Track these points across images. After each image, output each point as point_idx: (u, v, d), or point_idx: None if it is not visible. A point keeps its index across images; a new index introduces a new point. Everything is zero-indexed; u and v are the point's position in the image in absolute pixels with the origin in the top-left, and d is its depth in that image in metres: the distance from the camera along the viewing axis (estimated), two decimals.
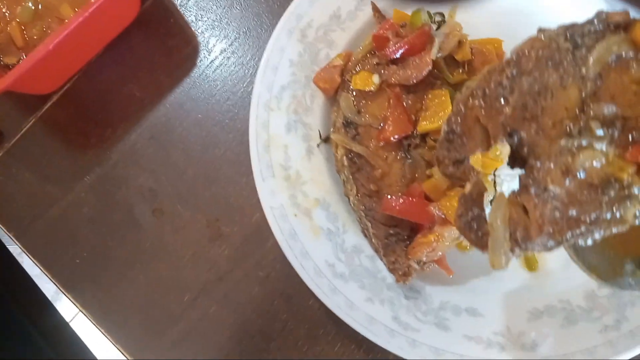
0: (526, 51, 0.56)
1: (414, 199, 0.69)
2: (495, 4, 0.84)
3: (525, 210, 0.53)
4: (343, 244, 0.74)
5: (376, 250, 0.72)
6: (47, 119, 0.89)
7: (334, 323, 0.75)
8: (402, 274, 0.69)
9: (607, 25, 0.55)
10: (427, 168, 0.72)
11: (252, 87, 0.79)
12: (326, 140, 0.78)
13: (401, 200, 0.69)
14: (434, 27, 0.80)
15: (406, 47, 0.73)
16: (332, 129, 0.77)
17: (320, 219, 0.74)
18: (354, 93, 0.75)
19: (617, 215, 0.51)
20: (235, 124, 0.86)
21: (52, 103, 0.89)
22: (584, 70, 0.54)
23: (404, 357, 0.68)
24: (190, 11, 0.93)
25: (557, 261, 0.73)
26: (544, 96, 0.55)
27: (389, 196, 0.70)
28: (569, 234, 0.51)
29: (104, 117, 0.89)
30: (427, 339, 0.68)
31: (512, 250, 0.54)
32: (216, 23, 0.91)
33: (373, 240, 0.71)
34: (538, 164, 0.53)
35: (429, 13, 0.82)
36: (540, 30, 0.56)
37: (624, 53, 0.54)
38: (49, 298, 1.25)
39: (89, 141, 0.88)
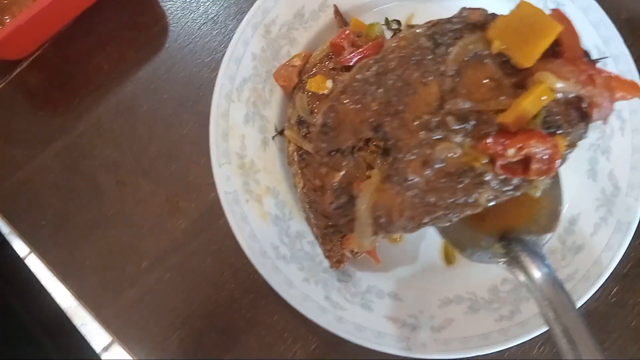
0: (391, 49, 0.60)
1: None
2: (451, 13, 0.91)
3: (390, 198, 0.60)
4: (288, 229, 0.82)
5: (316, 237, 0.81)
6: (16, 84, 0.92)
7: (275, 296, 0.83)
8: (336, 260, 0.78)
9: (466, 25, 0.60)
10: (367, 169, 0.80)
11: (217, 74, 0.84)
12: (281, 133, 0.85)
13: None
14: (390, 34, 0.87)
15: (359, 57, 0.79)
16: (286, 124, 0.84)
17: (270, 205, 0.82)
18: (309, 94, 0.81)
19: (471, 199, 0.58)
20: (198, 107, 0.91)
21: (22, 69, 0.92)
22: (443, 67, 0.59)
23: (332, 330, 0.78)
24: None
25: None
26: (406, 92, 0.59)
27: (330, 192, 0.78)
28: (427, 218, 0.58)
29: (72, 87, 0.92)
30: (353, 317, 0.79)
31: (375, 233, 0.60)
32: (186, 5, 0.94)
33: (314, 229, 0.80)
34: (400, 155, 0.59)
35: (386, 19, 0.88)
36: (409, 27, 0.61)
37: (479, 51, 0.59)
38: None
39: (56, 109, 0.91)
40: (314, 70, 0.82)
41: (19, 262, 1.22)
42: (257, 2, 0.85)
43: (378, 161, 0.62)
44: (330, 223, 0.79)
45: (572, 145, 0.61)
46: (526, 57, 0.58)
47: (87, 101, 0.92)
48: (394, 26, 0.88)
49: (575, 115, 0.60)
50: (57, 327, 1.21)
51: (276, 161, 0.84)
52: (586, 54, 0.62)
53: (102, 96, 0.92)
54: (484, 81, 0.59)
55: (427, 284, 0.82)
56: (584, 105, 0.59)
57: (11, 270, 1.26)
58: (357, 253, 0.80)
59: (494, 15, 0.62)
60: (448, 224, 0.61)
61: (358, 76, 0.61)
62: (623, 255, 0.79)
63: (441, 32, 0.60)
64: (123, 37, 0.93)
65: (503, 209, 0.61)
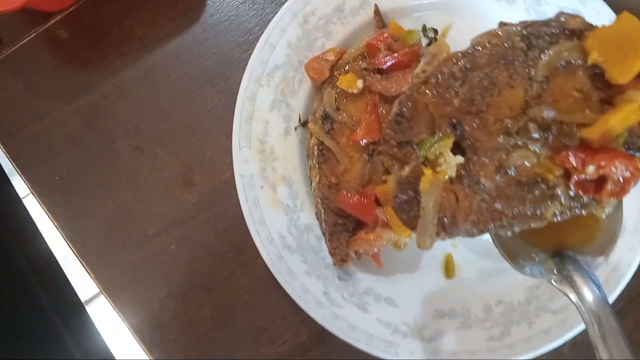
0: (482, 45, 0.57)
1: (366, 200, 0.78)
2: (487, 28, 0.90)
3: (456, 198, 0.57)
4: (297, 220, 0.83)
5: (323, 233, 0.82)
6: (47, 35, 0.92)
7: (274, 283, 0.83)
8: (340, 259, 0.79)
9: (563, 30, 0.57)
10: (384, 174, 0.81)
11: (249, 55, 0.84)
12: (304, 124, 0.85)
13: (355, 198, 0.78)
14: (425, 42, 0.87)
15: (394, 61, 0.80)
16: (311, 117, 0.84)
17: (283, 194, 0.83)
18: (338, 90, 0.82)
19: (538, 212, 0.55)
20: (225, 85, 0.91)
21: (55, 21, 0.92)
22: (532, 71, 0.56)
23: (325, 326, 0.79)
24: None
25: (471, 273, 0.85)
26: (491, 92, 0.56)
27: (345, 191, 0.79)
28: (491, 225, 0.56)
29: (103, 47, 0.92)
30: (347, 316, 0.79)
31: (438, 234, 0.58)
32: None
33: (323, 224, 0.81)
34: (475, 157, 0.56)
35: (424, 27, 0.88)
36: (501, 24, 0.58)
37: (573, 60, 0.57)
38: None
39: (84, 67, 0.91)
40: (347, 67, 0.82)
41: (18, 203, 1.22)
42: None
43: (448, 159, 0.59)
44: (340, 221, 0.81)
45: None
46: (623, 73, 0.55)
47: (115, 63, 0.92)
48: (431, 34, 0.88)
49: None
50: (47, 273, 1.23)
51: (296, 151, 0.84)
52: None
53: (131, 60, 0.92)
54: (572, 92, 0.56)
55: (424, 294, 0.83)
56: None
57: (9, 210, 1.27)
58: (361, 254, 0.81)
59: (593, 26, 0.60)
60: (510, 233, 0.59)
61: (443, 68, 0.58)
62: None
63: (537, 34, 0.57)
64: (160, 3, 0.93)
65: (562, 225, 0.59)
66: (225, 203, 0.89)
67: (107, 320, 1.17)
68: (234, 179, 0.82)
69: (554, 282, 0.65)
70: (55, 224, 0.88)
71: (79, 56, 0.92)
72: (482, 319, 0.82)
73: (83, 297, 1.41)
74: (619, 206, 0.67)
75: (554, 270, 0.65)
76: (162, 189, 0.89)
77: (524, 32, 0.57)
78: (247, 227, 0.81)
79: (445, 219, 0.57)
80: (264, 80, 0.84)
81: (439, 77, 0.58)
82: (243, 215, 0.81)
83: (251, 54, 0.84)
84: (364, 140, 0.80)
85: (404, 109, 0.59)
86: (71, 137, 0.90)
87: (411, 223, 0.59)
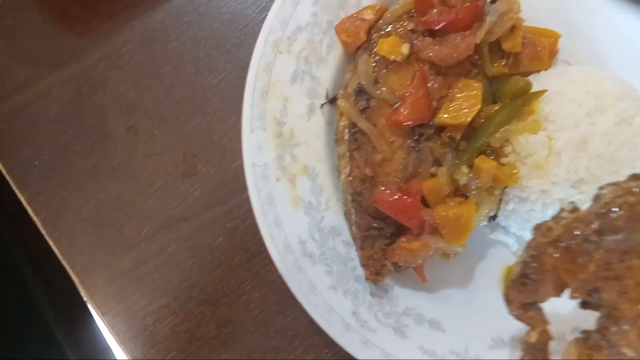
0: (618, 205, 0.54)
1: (409, 198, 0.63)
2: None
3: None
4: (321, 221, 0.69)
5: (354, 239, 0.68)
6: None
7: (292, 295, 0.71)
8: (374, 271, 0.66)
9: None
10: (432, 166, 0.66)
11: (267, 15, 0.70)
12: (332, 101, 0.71)
13: (395, 196, 0.63)
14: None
15: (451, 19, 0.64)
16: (341, 92, 0.69)
17: (304, 189, 0.69)
18: (377, 58, 0.67)
19: None
20: (238, 53, 0.78)
21: None
22: None
23: (353, 354, 0.66)
24: None
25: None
26: (631, 256, 0.53)
27: (382, 187, 0.64)
28: None
29: (94, 3, 0.81)
30: (381, 342, 0.66)
31: None
32: None
33: (354, 227, 0.67)
34: (614, 326, 0.53)
35: None
36: (633, 177, 0.54)
37: None
38: None
39: (71, 28, 0.80)
40: (389, 28, 0.67)
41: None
42: None
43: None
44: (375, 224, 0.66)
45: None
46: None
47: (108, 24, 0.80)
48: None
49: None
50: (47, 269, 1.13)
51: (321, 135, 0.71)
52: None
53: (127, 21, 0.80)
54: None
55: (478, 316, 0.70)
56: None
57: (9, 202, 1.19)
58: (400, 267, 0.66)
59: None
60: None
61: (575, 231, 0.55)
62: None
63: None
64: None
65: None
66: (235, 197, 0.76)
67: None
68: (244, 170, 0.68)
69: None
70: (34, 217, 0.76)
71: (66, 14, 0.80)
72: (553, 350, 0.66)
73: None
74: None
75: None
76: (160, 178, 0.77)
77: None
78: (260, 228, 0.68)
79: None
80: (284, 45, 0.70)
81: (571, 240, 0.56)
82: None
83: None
84: (409, 122, 0.65)
85: (530, 271, 0.58)
86: (55, 113, 0.78)
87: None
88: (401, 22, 0.67)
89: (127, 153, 0.77)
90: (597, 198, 0.55)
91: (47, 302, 1.06)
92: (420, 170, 0.66)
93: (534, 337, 0.58)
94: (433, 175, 0.66)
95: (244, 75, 0.70)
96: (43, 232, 0.76)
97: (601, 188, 0.56)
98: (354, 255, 0.68)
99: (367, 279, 0.65)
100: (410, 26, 0.66)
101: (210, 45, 0.78)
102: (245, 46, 0.78)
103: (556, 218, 0.57)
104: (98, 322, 1.11)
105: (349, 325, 0.66)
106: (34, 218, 0.76)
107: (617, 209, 0.55)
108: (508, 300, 0.60)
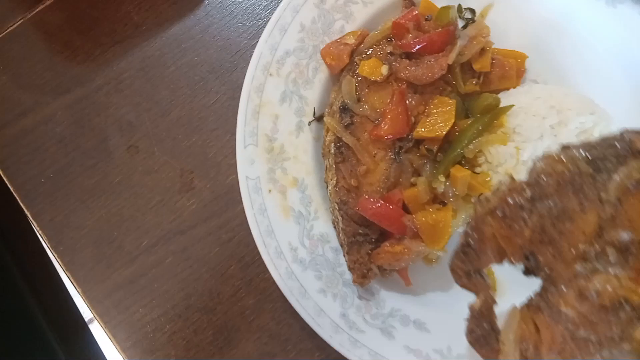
0: (547, 173, 0.56)
1: (392, 206, 0.67)
2: (533, 10, 0.79)
3: (536, 327, 0.55)
4: (311, 230, 0.72)
5: (341, 245, 0.71)
6: (36, 22, 0.83)
7: (284, 302, 0.73)
8: (361, 275, 0.68)
9: (630, 151, 0.55)
10: (412, 175, 0.70)
11: (258, 42, 0.74)
12: (319, 119, 0.75)
13: (378, 204, 0.67)
14: (461, 24, 0.75)
15: (425, 43, 0.69)
16: (327, 110, 0.74)
17: (294, 200, 0.72)
18: (359, 78, 0.72)
19: (626, 335, 0.52)
20: (231, 77, 0.82)
21: (44, 7, 0.84)
22: (603, 195, 0.54)
23: (343, 354, 0.68)
24: None
25: (517, 292, 0.72)
26: (562, 220, 0.55)
27: (367, 196, 0.68)
28: (577, 354, 0.53)
29: (96, 34, 0.83)
30: (369, 342, 0.69)
31: None
32: None
33: (341, 234, 0.70)
34: (552, 287, 0.54)
35: (459, 7, 0.77)
36: (564, 149, 0.56)
37: None
38: None
39: (75, 57, 0.83)
40: (369, 52, 0.72)
41: (21, 214, 1.15)
42: None
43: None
44: (360, 231, 0.69)
45: None
46: None
47: (109, 52, 0.83)
48: (467, 15, 0.76)
49: None
50: (48, 289, 1.14)
51: (309, 150, 0.74)
52: None
53: (127, 49, 0.83)
54: None
55: (461, 317, 0.69)
56: None
57: (13, 225, 1.20)
58: (385, 270, 0.70)
59: None
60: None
61: (509, 199, 0.57)
62: None
63: (602, 157, 0.56)
64: None
65: None
66: (229, 210, 0.79)
67: (103, 343, 1.08)
68: (239, 183, 0.72)
69: None
70: (40, 232, 0.79)
71: (70, 45, 0.84)
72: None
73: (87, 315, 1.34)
74: None
75: None
76: (158, 194, 0.80)
77: (589, 155, 0.56)
78: (253, 239, 0.71)
79: (527, 352, 0.56)
80: (274, 68, 0.74)
81: (506, 208, 0.57)
82: (249, 225, 0.71)
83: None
84: (389, 136, 0.69)
85: (471, 240, 0.59)
86: (59, 135, 0.81)
87: (491, 356, 0.58)
88: (380, 46, 0.72)
89: (127, 171, 0.80)
90: (531, 170, 0.57)
91: (46, 321, 1.07)
92: (401, 180, 0.70)
93: (477, 303, 0.58)
94: (413, 185, 0.69)
95: (236, 96, 0.74)
96: (47, 246, 0.78)
97: (535, 161, 0.58)
98: (342, 260, 0.71)
99: (354, 282, 0.68)
100: (389, 49, 0.71)
101: (205, 69, 0.82)
102: (237, 70, 0.81)
103: (494, 191, 0.59)
104: (98, 337, 1.13)
105: (338, 326, 0.69)
106: (39, 233, 0.78)
107: (547, 177, 0.56)
108: (452, 270, 0.61)
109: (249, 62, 0.74)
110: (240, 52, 0.82)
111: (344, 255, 0.70)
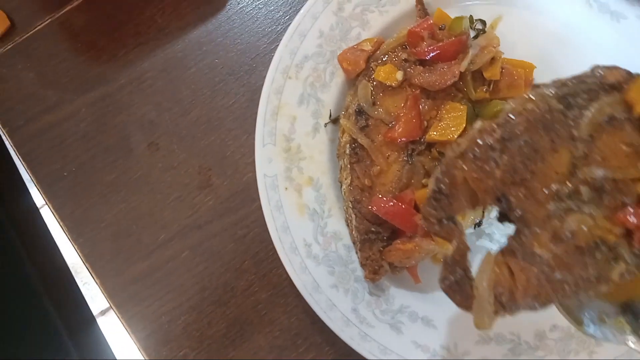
0: (517, 112, 0.55)
1: (404, 205, 0.70)
2: (540, 23, 0.82)
3: (510, 272, 0.54)
4: (325, 227, 0.74)
5: (354, 242, 0.73)
6: (62, 22, 0.86)
7: (296, 297, 0.77)
8: (372, 271, 0.71)
9: (601, 85, 0.54)
10: (424, 177, 0.72)
11: (277, 46, 0.77)
12: (335, 121, 0.78)
13: (391, 203, 0.69)
14: (472, 34, 0.78)
15: (438, 52, 0.72)
16: (343, 112, 0.76)
17: (309, 198, 0.75)
18: (374, 83, 0.74)
19: (603, 275, 0.52)
20: (250, 79, 0.84)
21: (71, 8, 0.86)
22: (575, 132, 0.53)
23: (353, 347, 0.70)
24: None
25: None
26: (534, 160, 0.53)
27: (380, 195, 0.71)
28: (554, 297, 0.52)
29: (120, 36, 0.86)
30: (379, 337, 0.71)
31: (496, 313, 0.54)
32: None
33: (354, 232, 0.72)
34: (526, 228, 0.53)
35: (470, 18, 0.80)
36: (534, 87, 0.55)
37: (617, 114, 0.53)
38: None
39: (99, 57, 0.86)
40: (385, 58, 0.75)
41: (35, 212, 1.17)
42: None
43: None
44: (372, 229, 0.72)
45: None
46: None
47: (133, 53, 0.86)
48: (478, 26, 0.80)
49: None
50: (59, 284, 1.16)
51: (325, 151, 0.77)
52: None
53: (150, 51, 0.86)
54: (622, 147, 0.53)
55: (467, 315, 0.71)
56: None
57: (25, 219, 1.22)
58: (396, 267, 0.72)
59: (632, 75, 0.56)
60: (576, 302, 0.55)
61: (479, 141, 0.55)
62: None
63: (574, 93, 0.54)
64: None
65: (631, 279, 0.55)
66: (245, 207, 0.81)
67: (117, 334, 1.09)
68: (256, 181, 0.74)
69: (632, 344, 0.58)
70: (61, 224, 0.81)
71: (95, 45, 0.87)
72: (534, 346, 0.72)
73: (95, 310, 1.36)
74: None
75: (628, 330, 0.58)
76: (177, 190, 0.82)
77: (560, 92, 0.54)
78: (268, 235, 0.73)
79: (502, 296, 0.54)
80: (293, 71, 0.77)
81: (476, 150, 0.55)
82: (264, 222, 0.74)
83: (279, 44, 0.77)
84: (403, 139, 0.72)
85: (442, 186, 0.56)
86: (82, 131, 0.84)
87: (465, 304, 0.56)
88: (396, 53, 0.75)
89: (147, 167, 0.82)
90: (502, 111, 0.56)
91: (61, 320, 1.09)
92: (413, 181, 0.72)
93: (450, 249, 0.57)
94: (424, 186, 0.72)
95: (255, 98, 0.77)
96: (68, 237, 0.81)
97: (506, 103, 0.57)
98: (354, 258, 0.73)
99: (365, 277, 0.71)
100: (404, 56, 0.74)
101: (225, 72, 0.84)
102: (256, 73, 0.84)
103: (466, 135, 0.57)
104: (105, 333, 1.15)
105: (349, 320, 0.71)
106: (61, 224, 0.81)
107: (516, 116, 0.54)
108: (424, 218, 0.59)
109: (267, 65, 0.77)
110: (259, 55, 0.85)
111: (356, 252, 0.73)
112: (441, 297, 0.74)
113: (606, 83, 0.54)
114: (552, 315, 0.71)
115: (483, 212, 0.73)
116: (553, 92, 0.54)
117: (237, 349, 0.77)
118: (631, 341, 0.57)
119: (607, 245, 0.52)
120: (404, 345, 0.71)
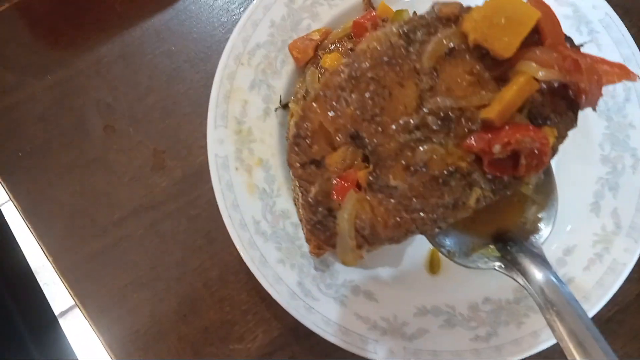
0: (362, 51, 0.56)
1: (347, 184, 0.74)
2: None
3: (371, 207, 0.56)
4: (273, 206, 0.78)
5: (300, 220, 0.77)
6: (21, 7, 0.88)
7: (246, 274, 0.80)
8: (316, 245, 0.74)
9: (439, 19, 0.56)
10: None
11: (230, 36, 0.81)
12: (285, 106, 0.81)
13: (334, 182, 0.73)
14: None
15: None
16: (292, 98, 0.80)
17: (259, 178, 0.78)
18: (322, 70, 0.78)
19: (460, 202, 0.55)
20: (205, 66, 0.88)
21: None
22: (418, 65, 0.55)
23: (299, 319, 0.73)
24: None
25: (457, 269, 0.79)
26: (382, 96, 0.55)
27: None
28: (413, 227, 0.55)
29: (80, 22, 0.89)
30: (323, 309, 0.74)
31: (359, 247, 0.56)
32: None
33: (300, 210, 0.76)
34: (380, 162, 0.56)
35: (414, 13, 0.85)
36: (382, 26, 0.58)
37: (455, 46, 0.56)
38: None
39: (58, 41, 0.88)
40: (332, 47, 0.80)
41: None
42: None
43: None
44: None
45: (562, 136, 0.57)
46: (505, 48, 0.54)
47: (92, 39, 0.89)
48: None
49: (562, 104, 0.56)
50: (20, 284, 1.16)
51: (274, 134, 0.80)
52: (568, 39, 0.57)
53: (109, 37, 0.89)
54: (465, 76, 0.55)
55: (406, 290, 0.78)
56: (570, 92, 0.55)
57: None
58: None
59: (468, 8, 0.58)
60: (437, 230, 0.57)
61: (329, 82, 0.57)
62: (611, 298, 0.76)
63: (414, 29, 0.57)
64: None
65: (495, 208, 0.58)
66: (198, 189, 0.84)
67: (79, 335, 1.10)
68: (208, 164, 0.77)
69: (498, 269, 0.63)
70: (15, 203, 0.82)
71: (54, 30, 0.89)
72: (467, 317, 0.76)
73: (57, 310, 1.35)
74: (548, 179, 0.66)
75: (497, 256, 0.64)
76: (131, 171, 0.85)
77: (402, 29, 0.57)
78: (219, 216, 0.76)
79: (364, 230, 0.56)
80: (245, 58, 0.80)
81: (327, 91, 0.57)
82: (216, 203, 0.76)
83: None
84: None
85: (301, 131, 0.59)
86: (40, 114, 0.86)
87: (330, 242, 0.58)
88: (342, 42, 0.79)
89: (103, 148, 0.84)
90: (349, 51, 0.58)
91: (23, 320, 1.09)
92: (355, 162, 0.77)
93: (313, 191, 0.59)
94: (367, 167, 0.77)
95: (209, 85, 0.79)
96: (22, 216, 0.82)
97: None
98: (300, 235, 0.77)
99: (310, 252, 0.73)
100: (349, 45, 0.79)
101: (181, 59, 0.88)
102: (211, 60, 0.87)
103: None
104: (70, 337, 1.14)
105: (295, 294, 0.74)
106: (14, 203, 0.82)
107: (362, 55, 0.56)
108: (289, 164, 0.60)
109: (221, 54, 0.80)
110: (214, 44, 0.89)
111: (303, 229, 0.76)
112: (383, 274, 0.79)
113: (443, 17, 0.56)
114: (485, 288, 0.78)
115: None
116: (395, 29, 0.56)
117: (188, 324, 0.79)
118: (497, 266, 0.62)
119: (461, 172, 0.54)
120: (347, 317, 0.74)
